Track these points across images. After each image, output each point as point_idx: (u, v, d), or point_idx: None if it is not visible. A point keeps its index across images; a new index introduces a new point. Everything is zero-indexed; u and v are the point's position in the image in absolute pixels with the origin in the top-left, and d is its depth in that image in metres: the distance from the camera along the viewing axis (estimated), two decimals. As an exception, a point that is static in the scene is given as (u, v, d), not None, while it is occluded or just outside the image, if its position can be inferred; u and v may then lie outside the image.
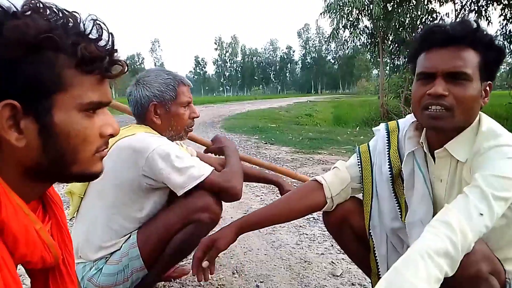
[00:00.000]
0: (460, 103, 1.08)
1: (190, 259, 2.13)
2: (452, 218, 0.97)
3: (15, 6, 0.64)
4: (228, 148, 1.80)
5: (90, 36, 0.68)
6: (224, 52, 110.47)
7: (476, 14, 15.43)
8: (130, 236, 1.52)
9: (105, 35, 0.69)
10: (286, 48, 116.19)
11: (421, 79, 1.14)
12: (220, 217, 1.61)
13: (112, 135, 0.74)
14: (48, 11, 0.66)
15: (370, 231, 1.39)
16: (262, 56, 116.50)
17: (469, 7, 15.73)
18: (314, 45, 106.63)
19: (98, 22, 0.69)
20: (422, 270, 0.88)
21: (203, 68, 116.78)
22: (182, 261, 1.90)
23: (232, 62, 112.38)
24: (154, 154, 1.43)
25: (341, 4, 15.43)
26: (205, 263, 1.26)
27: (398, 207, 1.32)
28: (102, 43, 0.69)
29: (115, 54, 0.71)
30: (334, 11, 15.69)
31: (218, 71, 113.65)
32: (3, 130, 0.62)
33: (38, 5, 0.66)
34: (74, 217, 1.61)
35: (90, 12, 0.68)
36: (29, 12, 0.64)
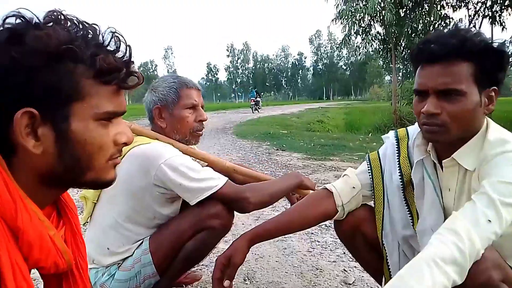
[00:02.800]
0: (454, 119, 1.07)
1: (202, 265, 2.15)
2: (459, 225, 0.96)
3: (37, 17, 0.67)
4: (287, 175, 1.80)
5: (108, 47, 0.70)
6: (236, 59, 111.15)
7: (490, 20, 15.25)
8: (142, 242, 1.53)
9: (122, 47, 0.71)
10: (298, 55, 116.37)
11: (417, 95, 1.15)
12: (232, 224, 1.61)
13: (126, 144, 0.76)
14: (69, 23, 0.68)
15: (382, 239, 1.38)
16: (273, 63, 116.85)
17: (483, 13, 15.57)
18: (326, 52, 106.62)
19: (116, 34, 0.71)
20: (427, 278, 0.87)
21: (215, 75, 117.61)
22: (194, 267, 1.90)
23: (244, 68, 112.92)
24: (166, 164, 1.43)
25: (353, 11, 15.42)
26: (226, 283, 1.24)
27: (409, 215, 1.31)
28: (119, 54, 0.71)
29: (132, 65, 0.73)
30: (346, 17, 15.68)
31: (230, 77, 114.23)
32: (21, 137, 0.64)
33: (59, 17, 0.68)
34: (87, 222, 1.63)
35: (106, 21, 0.70)
36: (51, 23, 0.66)
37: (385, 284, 1.43)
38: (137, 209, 1.51)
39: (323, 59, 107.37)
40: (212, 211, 1.50)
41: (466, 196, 1.15)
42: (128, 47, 0.72)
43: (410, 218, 1.31)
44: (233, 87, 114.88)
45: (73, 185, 0.75)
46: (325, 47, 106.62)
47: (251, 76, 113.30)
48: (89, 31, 0.69)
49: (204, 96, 1.75)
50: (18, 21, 0.65)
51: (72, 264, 0.78)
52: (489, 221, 0.97)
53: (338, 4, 16.18)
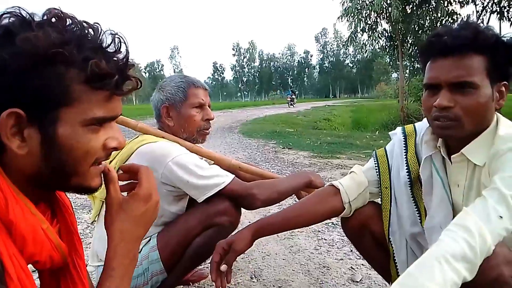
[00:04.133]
0: (467, 113, 1.06)
1: (209, 263, 2.15)
2: (470, 221, 0.95)
3: (31, 16, 0.65)
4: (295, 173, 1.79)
5: (107, 50, 0.68)
6: (242, 58, 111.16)
7: (498, 15, 15.08)
8: (150, 240, 1.54)
9: (122, 49, 0.70)
10: (304, 53, 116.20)
11: (427, 89, 1.13)
12: (239, 221, 1.62)
13: (116, 148, 0.75)
14: (67, 23, 0.66)
15: (389, 236, 1.37)
16: (279, 61, 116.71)
17: (491, 8, 15.39)
18: (332, 49, 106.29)
19: (117, 36, 0.70)
20: (437, 274, 0.86)
21: (221, 74, 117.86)
22: (201, 265, 1.91)
23: (249, 67, 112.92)
24: (174, 162, 1.45)
25: (359, 8, 15.34)
26: (223, 267, 1.24)
27: (417, 212, 1.30)
28: (118, 57, 0.69)
29: (129, 70, 0.71)
30: (352, 14, 15.60)
31: (236, 76, 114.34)
32: (6, 137, 0.64)
33: (57, 15, 0.66)
34: (95, 220, 1.64)
35: (112, 21, 0.69)
36: (45, 24, 0.64)
37: (392, 281, 1.42)
38: (144, 207, 1.52)
39: (329, 57, 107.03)
40: (219, 208, 1.51)
41: (475, 192, 1.14)
42: (126, 51, 0.70)
43: (418, 215, 1.30)
44: (239, 86, 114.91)
45: (59, 188, 0.76)
46: (331, 45, 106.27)
47: (257, 75, 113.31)
48: (87, 32, 0.67)
49: (210, 95, 1.77)
50: (13, 19, 0.64)
51: (68, 258, 0.78)
52: (500, 217, 0.96)
53: (344, 2, 16.10)
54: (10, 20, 0.64)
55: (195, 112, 1.64)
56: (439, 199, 1.21)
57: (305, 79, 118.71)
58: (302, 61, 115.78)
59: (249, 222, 2.93)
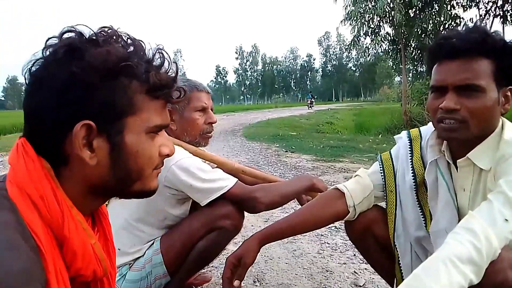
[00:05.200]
0: (473, 116, 1.06)
1: (212, 266, 2.15)
2: (475, 224, 0.95)
3: (95, 33, 0.69)
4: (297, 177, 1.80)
5: (155, 64, 0.73)
6: (245, 61, 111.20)
7: (501, 19, 15.05)
8: (153, 243, 1.54)
9: (166, 63, 0.74)
10: (307, 56, 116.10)
11: (434, 92, 1.13)
12: (242, 224, 1.62)
13: (168, 155, 0.78)
14: (120, 39, 0.71)
15: (394, 240, 1.37)
16: (282, 65, 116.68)
17: (494, 12, 15.36)
18: (334, 53, 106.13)
19: (161, 51, 0.74)
20: (443, 277, 0.86)
21: (224, 77, 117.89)
22: (204, 269, 1.91)
23: (252, 71, 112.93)
24: (177, 166, 1.45)
25: (362, 11, 15.32)
26: (236, 283, 1.24)
27: (422, 216, 1.30)
28: (164, 70, 0.74)
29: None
30: (355, 18, 15.58)
31: (239, 80, 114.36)
32: (79, 148, 0.66)
33: (114, 33, 0.70)
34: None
35: (114, 24, 0.72)
36: (110, 41, 0.69)
37: (397, 285, 1.42)
38: (148, 210, 1.53)
39: (332, 60, 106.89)
40: (222, 211, 1.51)
41: (481, 196, 1.13)
42: (175, 64, 0.75)
43: (423, 219, 1.29)
44: (242, 89, 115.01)
45: (120, 194, 0.78)
46: (334, 49, 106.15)
47: (260, 78, 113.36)
48: (139, 47, 0.72)
49: (213, 99, 1.77)
50: (75, 36, 0.68)
51: (109, 271, 0.79)
52: (506, 220, 0.96)
53: (346, 5, 16.11)
54: (73, 37, 0.68)
55: (198, 115, 1.64)
56: (444, 203, 1.20)
57: (308, 82, 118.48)
58: (305, 64, 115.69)
59: (252, 225, 2.94)
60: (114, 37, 0.70)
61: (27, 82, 0.68)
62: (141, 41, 0.73)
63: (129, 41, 0.71)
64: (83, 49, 0.66)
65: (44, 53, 0.67)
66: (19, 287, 0.54)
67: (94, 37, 0.68)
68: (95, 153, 0.68)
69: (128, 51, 0.70)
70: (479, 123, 1.07)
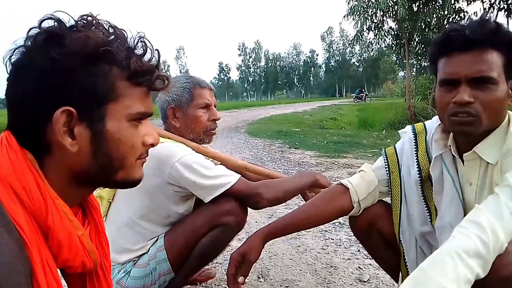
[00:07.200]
0: (487, 108, 1.04)
1: (216, 262, 2.15)
2: (482, 218, 0.94)
3: (74, 20, 0.68)
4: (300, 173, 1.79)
5: (137, 51, 0.72)
6: (248, 58, 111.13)
7: (506, 13, 14.90)
8: (157, 239, 1.55)
9: (149, 51, 0.73)
10: (310, 52, 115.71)
11: (444, 85, 1.10)
12: (246, 220, 1.62)
13: (152, 145, 0.78)
14: (101, 27, 0.70)
15: (399, 235, 1.36)
16: (285, 61, 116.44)
17: (498, 6, 15.21)
18: (338, 48, 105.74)
19: (143, 39, 0.73)
20: (450, 270, 0.85)
21: (227, 74, 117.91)
22: (208, 265, 1.91)
23: (255, 67, 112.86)
24: (180, 163, 1.45)
25: (365, 6, 15.23)
26: (241, 279, 1.25)
27: (427, 211, 1.29)
28: (147, 58, 0.73)
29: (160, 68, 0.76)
30: (358, 13, 15.48)
31: (242, 76, 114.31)
32: (59, 135, 0.66)
33: (94, 20, 0.70)
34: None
35: (117, 22, 0.72)
36: (89, 27, 0.68)
37: (402, 280, 1.41)
38: (151, 208, 1.53)
39: (335, 56, 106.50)
40: (226, 207, 1.51)
41: (488, 190, 1.12)
42: (156, 51, 0.75)
43: (428, 214, 1.29)
44: (245, 86, 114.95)
45: (104, 184, 0.78)
46: (337, 44, 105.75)
47: (263, 74, 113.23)
48: (120, 35, 0.71)
49: (216, 96, 1.77)
50: (54, 23, 0.67)
51: (98, 263, 0.79)
52: None
53: (349, 0, 16.02)
54: (52, 24, 0.67)
55: (201, 112, 1.64)
56: (450, 198, 1.19)
57: (311, 78, 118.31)
58: (308, 60, 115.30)
59: (256, 222, 2.94)
60: (95, 24, 0.69)
61: (7, 71, 0.68)
62: (123, 29, 0.72)
63: (110, 29, 0.71)
64: (62, 35, 0.65)
65: (26, 43, 0.67)
66: (1, 279, 0.54)
67: (72, 24, 0.68)
68: (76, 140, 0.67)
69: (109, 38, 0.69)
70: (491, 116, 1.06)
